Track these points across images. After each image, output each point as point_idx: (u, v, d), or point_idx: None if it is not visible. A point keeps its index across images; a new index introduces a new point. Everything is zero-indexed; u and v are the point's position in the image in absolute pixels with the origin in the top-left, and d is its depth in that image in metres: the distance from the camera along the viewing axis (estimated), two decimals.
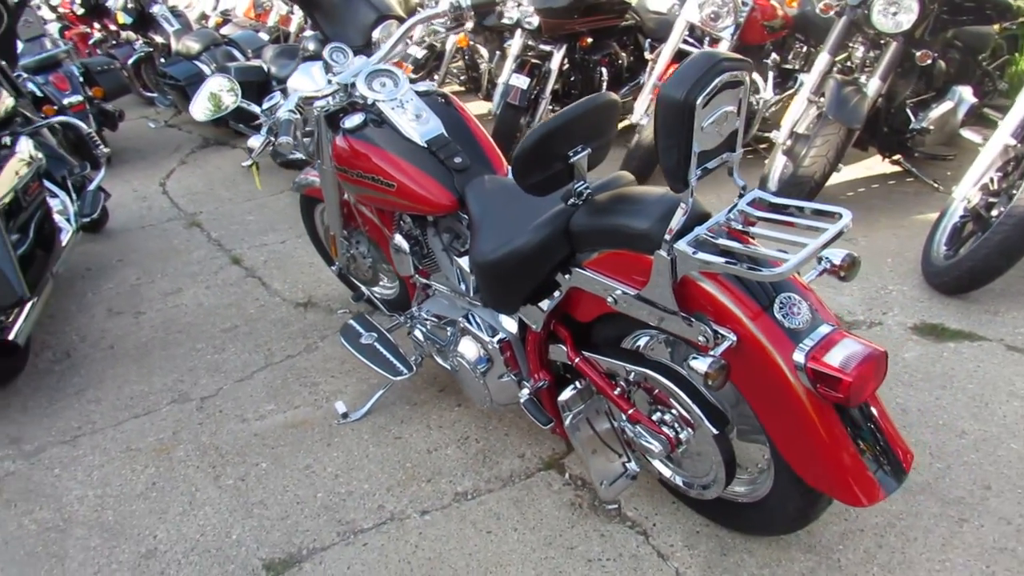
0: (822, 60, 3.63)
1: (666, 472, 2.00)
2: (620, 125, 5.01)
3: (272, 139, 2.13)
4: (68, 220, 3.70)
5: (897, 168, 4.17)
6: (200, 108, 2.13)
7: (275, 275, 3.73)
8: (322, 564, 2.03)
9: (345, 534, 2.12)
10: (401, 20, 4.04)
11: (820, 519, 1.86)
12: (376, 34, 3.94)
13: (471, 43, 5.89)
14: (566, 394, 1.88)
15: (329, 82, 2.41)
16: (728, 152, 1.54)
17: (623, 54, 5.02)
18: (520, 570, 1.94)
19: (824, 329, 1.52)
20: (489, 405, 2.22)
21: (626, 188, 1.91)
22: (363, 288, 3.02)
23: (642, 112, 4.24)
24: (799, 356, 1.48)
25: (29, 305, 2.84)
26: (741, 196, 1.62)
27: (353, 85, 2.36)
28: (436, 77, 5.89)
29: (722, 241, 1.51)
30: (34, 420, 2.78)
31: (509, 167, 2.00)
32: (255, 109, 2.20)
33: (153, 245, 4.26)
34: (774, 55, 4.36)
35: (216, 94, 2.13)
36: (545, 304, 1.94)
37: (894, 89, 3.66)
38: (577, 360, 1.93)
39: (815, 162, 3.38)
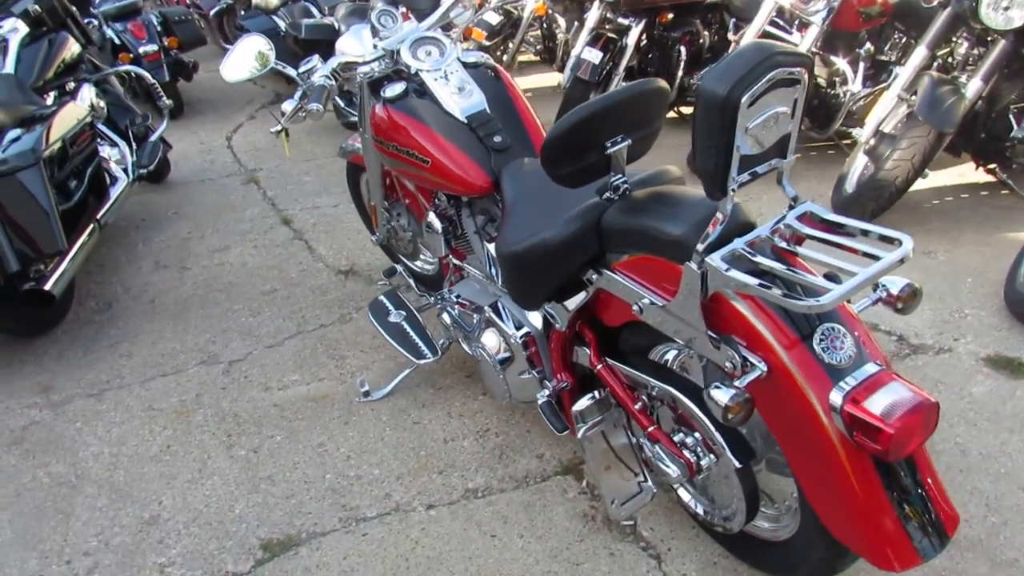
0: (919, 54, 3.33)
1: (686, 496, 1.85)
2: (686, 111, 4.78)
3: (302, 105, 2.03)
4: (125, 170, 3.72)
5: (991, 179, 3.82)
6: (230, 68, 2.04)
7: (322, 239, 3.68)
8: (319, 551, 1.96)
9: (347, 521, 2.04)
10: None
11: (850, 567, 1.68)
12: None
13: (549, 12, 5.70)
14: (582, 403, 1.74)
15: (375, 47, 2.29)
16: (778, 158, 1.36)
17: (706, 33, 4.76)
18: None
19: (869, 368, 1.34)
20: (508, 400, 2.10)
21: (669, 186, 1.75)
22: (400, 263, 2.93)
23: None
24: (836, 397, 1.30)
25: (69, 257, 2.85)
26: (792, 208, 1.44)
27: (398, 52, 2.24)
28: (511, 45, 5.73)
29: (761, 259, 1.33)
30: (67, 370, 2.79)
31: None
32: (291, 72, 2.10)
33: (209, 199, 4.26)
34: (868, 45, 4.04)
35: (248, 55, 2.05)
36: (572, 303, 1.81)
37: (997, 92, 3.33)
38: (599, 367, 1.79)
39: (898, 166, 3.11)
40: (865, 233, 1.37)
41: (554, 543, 1.93)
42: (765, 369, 1.36)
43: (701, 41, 4.67)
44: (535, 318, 1.98)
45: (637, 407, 1.71)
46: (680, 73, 4.56)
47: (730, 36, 4.49)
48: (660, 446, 1.66)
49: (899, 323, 2.71)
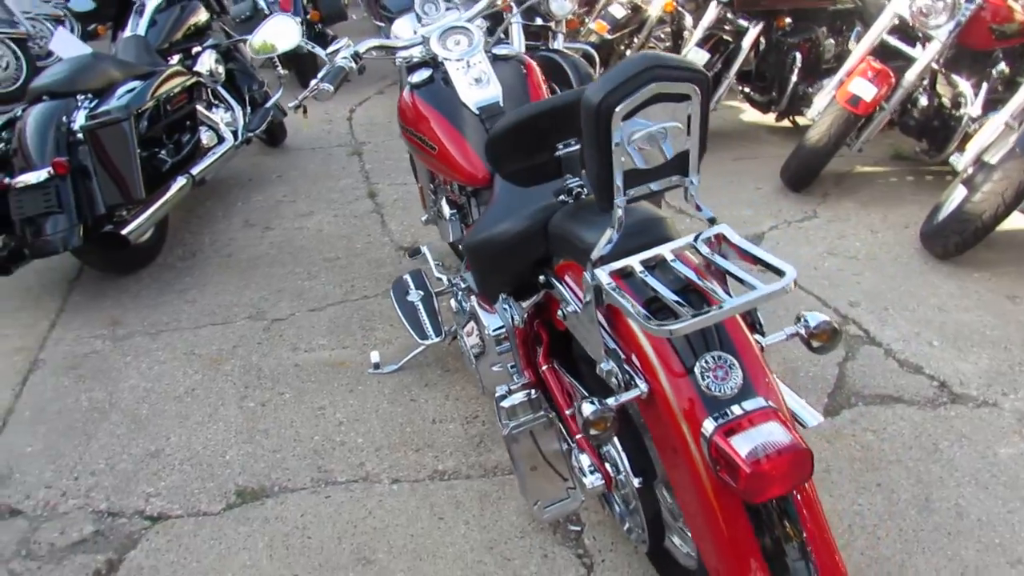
0: None
1: (615, 510, 1.81)
2: (800, 121, 4.53)
3: (317, 84, 2.13)
4: (235, 132, 4.02)
5: None
6: (256, 44, 2.17)
7: (397, 215, 3.82)
8: (283, 504, 2.08)
9: (318, 482, 2.16)
10: None
11: None
12: None
13: (678, 8, 5.55)
14: (511, 400, 1.74)
15: (415, 33, 2.37)
16: (679, 175, 1.30)
17: (830, 41, 4.48)
18: (447, 567, 1.87)
19: (751, 404, 1.26)
20: (482, 391, 2.13)
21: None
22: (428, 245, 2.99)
23: (819, 110, 3.77)
24: (708, 427, 1.24)
25: (153, 208, 3.14)
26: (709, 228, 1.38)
27: (428, 39, 2.30)
28: (636, 40, 5.64)
29: (650, 279, 1.29)
30: (137, 308, 3.09)
31: None
32: (319, 52, 2.21)
33: (313, 167, 4.52)
34: (1003, 66, 3.67)
35: (277, 32, 2.17)
36: (527, 302, 1.81)
37: None
38: (544, 368, 1.78)
39: (986, 200, 2.82)
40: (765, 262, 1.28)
41: (494, 535, 1.94)
42: (645, 390, 1.32)
43: (820, 49, 4.40)
44: (507, 314, 1.99)
45: (569, 412, 1.69)
46: (793, 81, 4.32)
47: (851, 45, 4.21)
48: (585, 455, 1.63)
49: (947, 368, 2.49)
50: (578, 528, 1.94)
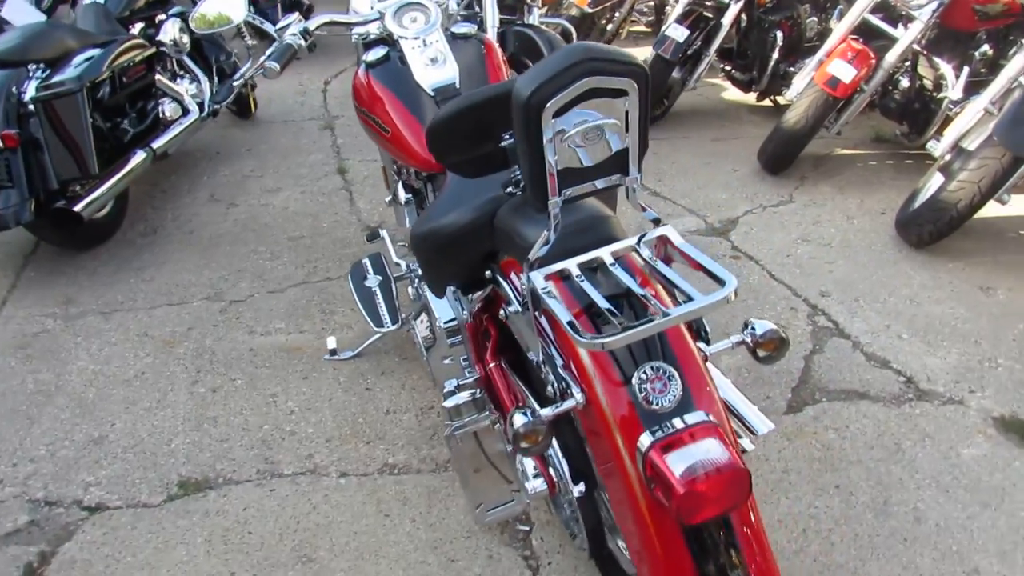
0: (1018, 62, 2.92)
1: (561, 513, 1.76)
2: (782, 101, 4.45)
3: (262, 62, 2.04)
4: (201, 104, 3.90)
5: None
6: (198, 19, 2.07)
7: (366, 193, 3.73)
8: (225, 497, 2.02)
9: (263, 474, 2.10)
10: None
11: None
12: None
13: None
14: (454, 399, 1.67)
15: (371, 8, 2.26)
16: (619, 174, 1.22)
17: (813, 19, 4.38)
18: (389, 567, 1.81)
19: (692, 418, 1.19)
20: (433, 384, 2.07)
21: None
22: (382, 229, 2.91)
23: (798, 91, 3.69)
24: (645, 442, 1.17)
25: (108, 184, 3.04)
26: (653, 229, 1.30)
27: (384, 15, 2.20)
28: (619, 14, 5.52)
29: (586, 284, 1.22)
30: (92, 286, 3.00)
31: None
32: (268, 28, 2.11)
33: (283, 141, 4.40)
34: (987, 48, 3.59)
35: (218, 6, 2.06)
36: (474, 296, 1.74)
37: None
38: (491, 366, 1.72)
39: (962, 188, 2.76)
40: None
41: (440, 535, 1.89)
42: (581, 400, 1.25)
43: (803, 27, 4.30)
44: (456, 307, 1.92)
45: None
46: (775, 59, 4.23)
47: (832, 23, 4.11)
48: (529, 458, 1.57)
49: (915, 363, 2.44)
50: (527, 528, 1.89)
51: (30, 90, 2.88)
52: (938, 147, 3.05)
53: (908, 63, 3.72)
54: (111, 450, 2.19)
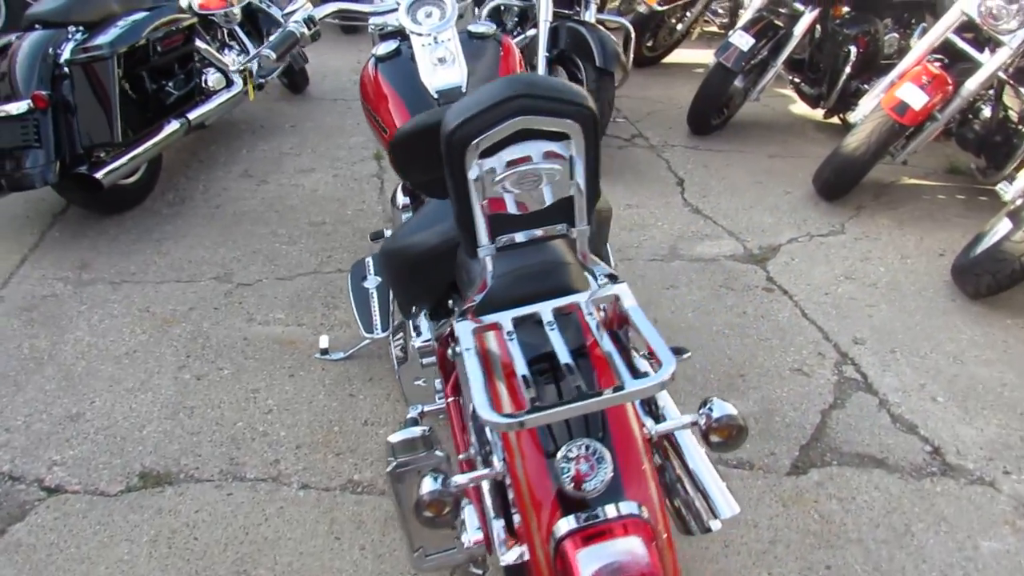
0: None
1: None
2: (851, 120, 4.15)
3: (259, 50, 1.94)
4: (247, 77, 3.86)
5: None
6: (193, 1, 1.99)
7: (397, 182, 3.62)
8: (181, 496, 1.96)
9: (225, 475, 2.03)
10: None
11: None
12: None
13: None
14: (398, 436, 1.55)
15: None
16: (564, 224, 1.08)
17: (893, 35, 4.07)
18: None
19: (616, 510, 1.04)
20: (405, 403, 1.96)
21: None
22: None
23: (864, 113, 3.42)
24: (561, 528, 1.04)
25: (133, 152, 3.02)
26: (600, 287, 1.15)
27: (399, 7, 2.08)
28: (690, 13, 5.27)
29: (512, 345, 1.08)
30: (109, 254, 3.00)
31: None
32: (275, 12, 2.01)
33: (328, 120, 4.35)
34: None
35: None
36: (437, 324, 1.62)
37: None
38: (450, 400, 1.59)
39: None
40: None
41: (387, 567, 1.79)
42: (500, 471, 1.12)
43: (880, 43, 3.99)
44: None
45: (462, 457, 1.51)
46: (846, 75, 3.94)
47: (913, 41, 3.80)
48: (472, 507, 1.45)
49: (946, 432, 2.21)
50: (480, 572, 1.77)
51: (66, 52, 2.87)
52: (1009, 190, 2.77)
53: (992, 92, 3.40)
54: (84, 429, 2.16)
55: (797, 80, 4.41)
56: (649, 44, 5.45)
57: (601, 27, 3.71)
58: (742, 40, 3.86)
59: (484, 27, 2.12)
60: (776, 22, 4.03)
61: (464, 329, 1.09)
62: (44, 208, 3.30)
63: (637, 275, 2.94)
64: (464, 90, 1.93)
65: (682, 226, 3.33)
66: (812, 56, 4.23)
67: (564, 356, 1.04)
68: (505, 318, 1.11)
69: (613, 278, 1.15)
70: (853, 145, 3.30)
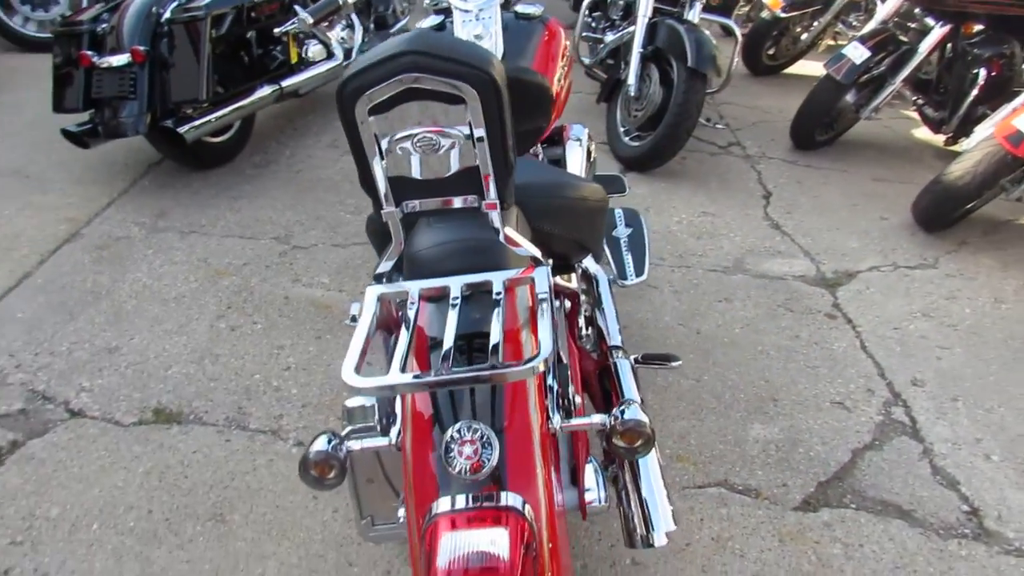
0: None
1: None
2: (962, 146, 3.81)
3: (299, 14, 1.98)
4: (348, 51, 3.98)
5: None
6: None
7: None
8: (185, 435, 2.04)
9: (229, 422, 2.09)
10: None
11: None
12: None
13: None
14: (355, 400, 1.53)
15: None
16: (475, 196, 1.03)
17: None
18: (285, 551, 1.74)
19: (492, 500, 0.99)
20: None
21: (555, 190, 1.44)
22: None
23: (977, 140, 3.12)
24: (435, 508, 1.00)
25: (219, 112, 3.17)
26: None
27: None
28: (817, 23, 5.00)
29: (411, 313, 1.04)
30: (187, 205, 3.16)
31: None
32: None
33: None
34: None
35: None
36: None
37: None
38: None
39: None
40: None
41: (352, 532, 1.79)
42: (394, 442, 1.09)
43: (1017, 67, 3.63)
44: None
45: None
46: (970, 99, 3.62)
47: None
48: None
49: (992, 494, 1.99)
50: None
51: (167, 12, 3.04)
52: None
53: None
54: (116, 362, 2.28)
55: (921, 101, 4.09)
56: (771, 52, 5.23)
57: (703, 28, 3.58)
58: (856, 52, 3.62)
59: (532, 8, 2.07)
60: (901, 37, 3.76)
61: (371, 293, 1.07)
62: (142, 158, 3.52)
63: (691, 283, 2.82)
64: None
65: (755, 240, 3.16)
66: (940, 76, 3.92)
67: (450, 334, 1.00)
68: (414, 287, 1.08)
69: (537, 261, 1.09)
70: (956, 174, 3.03)
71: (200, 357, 2.32)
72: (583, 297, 1.80)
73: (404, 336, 0.99)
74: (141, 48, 2.95)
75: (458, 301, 1.05)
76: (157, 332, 2.41)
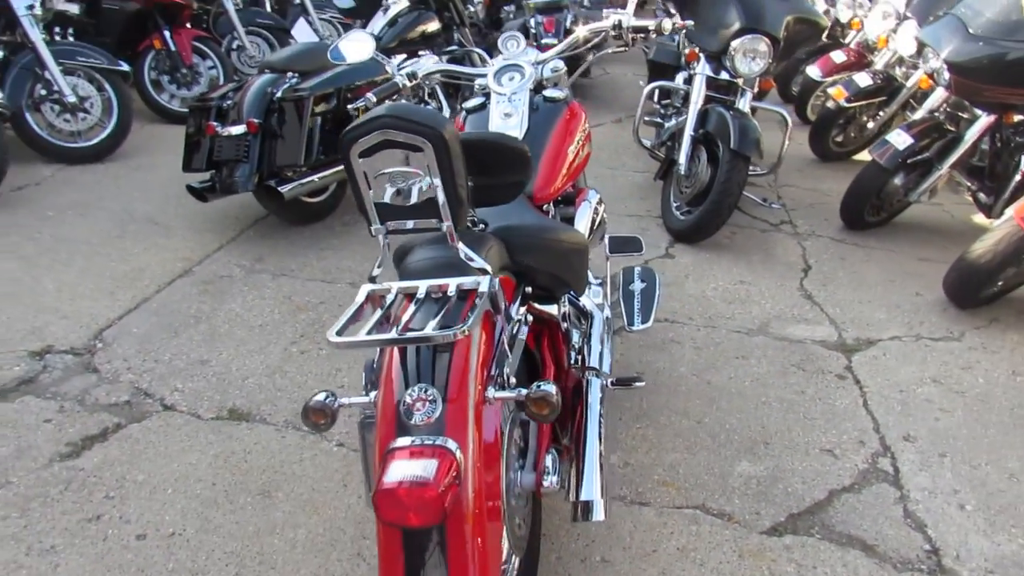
0: None
1: None
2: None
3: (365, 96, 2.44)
4: None
5: None
6: (335, 51, 2.52)
7: None
8: (252, 430, 2.47)
9: (287, 424, 2.50)
10: (773, 40, 3.85)
11: None
12: (735, 44, 3.85)
13: (934, 85, 5.03)
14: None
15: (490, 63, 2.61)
16: (437, 219, 1.42)
17: None
18: (315, 524, 2.10)
19: (431, 440, 1.34)
20: None
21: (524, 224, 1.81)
22: None
23: (1006, 218, 3.28)
24: (390, 445, 1.36)
25: (317, 175, 3.73)
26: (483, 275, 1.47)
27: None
28: (883, 113, 5.21)
29: (391, 300, 1.43)
30: (282, 253, 3.71)
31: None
32: (390, 67, 2.51)
33: None
34: None
35: (354, 44, 2.50)
36: None
37: None
38: None
39: None
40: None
41: (370, 515, 2.14)
42: (372, 400, 1.46)
43: None
44: None
45: None
46: (1014, 183, 3.77)
47: None
48: None
49: (956, 537, 2.14)
50: None
51: (279, 91, 3.65)
52: None
53: None
54: (205, 372, 2.76)
55: (974, 187, 4.24)
56: (838, 139, 5.46)
57: (750, 115, 3.92)
58: (899, 139, 3.86)
59: (558, 92, 2.48)
60: (947, 126, 3.97)
61: (363, 289, 1.46)
62: (250, 213, 4.12)
63: (713, 342, 3.08)
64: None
65: (784, 307, 3.40)
66: (991, 163, 4.07)
67: (406, 315, 1.37)
68: (393, 286, 1.46)
69: (483, 272, 1.46)
70: (978, 252, 3.19)
71: (272, 372, 2.77)
72: (573, 328, 2.14)
73: (377, 314, 1.37)
74: (255, 120, 3.55)
75: (423, 296, 1.43)
76: (241, 351, 2.89)
